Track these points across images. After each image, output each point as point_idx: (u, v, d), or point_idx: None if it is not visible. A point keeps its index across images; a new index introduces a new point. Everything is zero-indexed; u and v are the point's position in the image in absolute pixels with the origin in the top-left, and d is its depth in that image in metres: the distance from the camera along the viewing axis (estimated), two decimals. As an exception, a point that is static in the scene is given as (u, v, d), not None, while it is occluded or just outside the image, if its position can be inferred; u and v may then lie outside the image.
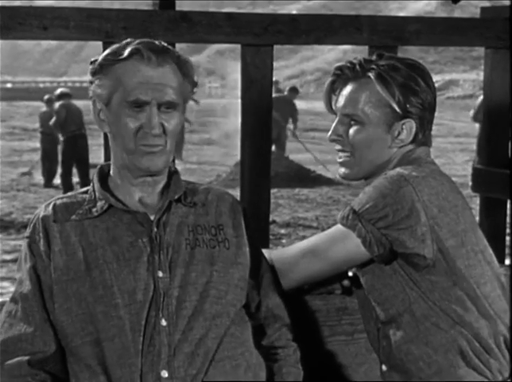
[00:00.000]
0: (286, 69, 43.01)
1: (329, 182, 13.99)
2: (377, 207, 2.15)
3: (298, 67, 44.22)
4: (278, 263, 2.29)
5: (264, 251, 2.30)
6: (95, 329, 1.98)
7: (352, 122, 2.26)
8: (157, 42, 2.07)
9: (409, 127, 2.24)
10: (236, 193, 2.94)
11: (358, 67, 2.25)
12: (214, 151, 19.33)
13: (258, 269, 2.21)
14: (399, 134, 2.24)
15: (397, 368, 2.25)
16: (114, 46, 2.08)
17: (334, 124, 2.29)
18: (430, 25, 3.31)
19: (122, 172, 2.10)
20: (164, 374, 1.95)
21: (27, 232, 2.11)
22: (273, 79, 3.20)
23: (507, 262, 3.64)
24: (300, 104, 16.57)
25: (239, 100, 3.14)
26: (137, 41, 2.06)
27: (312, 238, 2.30)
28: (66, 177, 12.77)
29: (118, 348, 1.96)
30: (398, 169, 2.20)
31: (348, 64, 2.27)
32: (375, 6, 48.09)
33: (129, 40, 2.09)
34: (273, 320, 2.21)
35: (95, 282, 2.01)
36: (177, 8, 3.04)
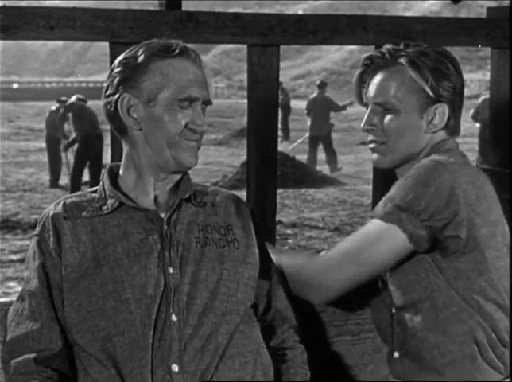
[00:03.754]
0: (292, 69, 42.99)
1: (335, 182, 14.00)
2: (419, 198, 2.10)
3: (304, 67, 44.20)
4: (312, 274, 2.22)
5: (286, 260, 2.26)
6: (106, 325, 1.99)
7: (385, 111, 2.24)
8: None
9: (441, 112, 2.23)
10: (242, 194, 2.95)
11: (387, 55, 2.25)
12: (220, 151, 19.34)
13: (267, 271, 2.22)
14: (432, 119, 2.23)
15: (410, 355, 2.24)
16: (152, 44, 2.08)
17: (366, 114, 2.27)
18: (436, 25, 3.30)
19: (146, 170, 2.10)
20: (175, 368, 1.96)
21: (36, 230, 2.12)
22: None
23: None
24: (305, 104, 16.55)
25: (245, 100, 3.14)
26: (178, 41, 2.09)
27: (348, 241, 2.21)
28: (76, 177, 12.73)
29: (129, 343, 1.97)
30: (433, 157, 2.17)
31: (378, 54, 2.27)
32: (382, 6, 48.04)
33: (161, 39, 2.10)
34: (282, 322, 2.22)
35: (106, 278, 2.02)
36: (183, 8, 3.04)
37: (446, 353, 2.18)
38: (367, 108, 2.29)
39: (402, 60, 2.23)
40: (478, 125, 14.88)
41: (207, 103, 2.11)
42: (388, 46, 2.28)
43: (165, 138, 2.06)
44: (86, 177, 12.74)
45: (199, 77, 2.08)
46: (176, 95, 2.05)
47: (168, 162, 2.08)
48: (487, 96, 14.72)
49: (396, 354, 2.29)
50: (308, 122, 16.11)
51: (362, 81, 2.31)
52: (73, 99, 13.00)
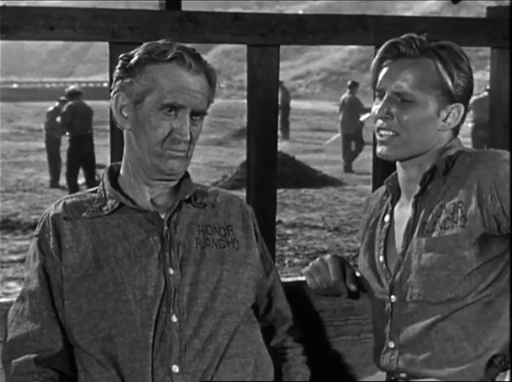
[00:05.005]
0: (292, 69, 42.97)
1: (335, 183, 14.01)
2: None
3: (304, 67, 44.18)
4: None
5: None
6: (107, 326, 2.00)
7: (403, 102, 2.16)
8: (194, 49, 2.08)
9: (457, 112, 2.19)
10: (242, 194, 2.95)
11: (414, 45, 2.16)
12: (220, 151, 19.34)
13: (266, 271, 2.23)
14: (447, 118, 2.18)
15: (411, 344, 2.15)
16: (151, 46, 2.07)
17: (383, 102, 2.18)
18: (436, 25, 3.30)
19: (136, 170, 2.10)
20: (176, 369, 1.97)
21: (36, 231, 2.12)
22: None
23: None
24: (305, 104, 16.66)
25: (245, 100, 3.14)
26: (178, 45, 2.06)
27: None
28: (71, 177, 12.76)
29: (129, 343, 1.98)
30: (498, 151, 2.15)
31: (404, 41, 2.18)
32: (382, 6, 48.03)
33: (166, 41, 2.08)
34: (282, 321, 2.23)
35: (106, 278, 2.02)
36: (183, 8, 3.04)
37: (458, 348, 2.12)
38: (379, 95, 2.21)
39: (430, 53, 2.16)
40: (470, 125, 15.01)
41: (198, 113, 2.07)
42: (414, 35, 2.19)
43: (147, 144, 2.05)
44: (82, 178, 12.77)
45: (190, 85, 2.04)
46: (160, 100, 2.03)
47: (150, 169, 2.07)
48: (480, 96, 14.90)
49: (391, 344, 2.20)
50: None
51: (381, 67, 2.21)
52: (70, 88, 13.11)
